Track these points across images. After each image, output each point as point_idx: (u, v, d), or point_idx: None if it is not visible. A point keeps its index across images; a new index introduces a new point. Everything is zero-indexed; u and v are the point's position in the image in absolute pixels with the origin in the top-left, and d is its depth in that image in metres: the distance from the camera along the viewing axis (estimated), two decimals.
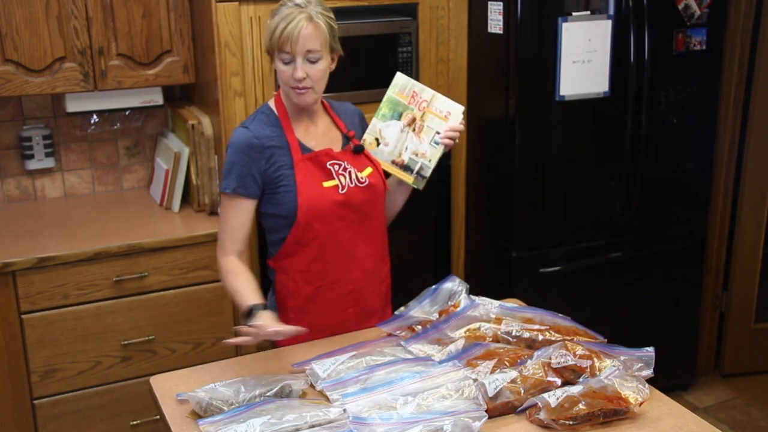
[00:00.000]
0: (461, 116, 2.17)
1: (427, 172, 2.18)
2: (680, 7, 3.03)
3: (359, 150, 2.13)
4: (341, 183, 2.06)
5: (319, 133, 2.12)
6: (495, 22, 2.89)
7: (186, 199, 3.05)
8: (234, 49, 2.66)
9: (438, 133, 2.15)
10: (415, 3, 2.90)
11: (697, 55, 3.11)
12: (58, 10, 2.73)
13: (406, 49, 2.90)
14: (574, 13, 2.84)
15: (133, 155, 3.26)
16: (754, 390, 3.59)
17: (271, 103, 2.12)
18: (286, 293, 2.14)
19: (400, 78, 2.18)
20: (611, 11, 2.89)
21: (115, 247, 2.66)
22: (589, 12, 2.86)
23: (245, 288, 1.99)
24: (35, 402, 2.68)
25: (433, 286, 2.17)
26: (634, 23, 2.90)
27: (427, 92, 2.17)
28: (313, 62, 1.99)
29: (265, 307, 1.93)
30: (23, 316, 2.60)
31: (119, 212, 3.00)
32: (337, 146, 2.13)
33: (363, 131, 2.21)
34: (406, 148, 2.16)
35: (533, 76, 2.89)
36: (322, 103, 2.17)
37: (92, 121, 3.15)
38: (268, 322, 1.85)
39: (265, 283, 2.28)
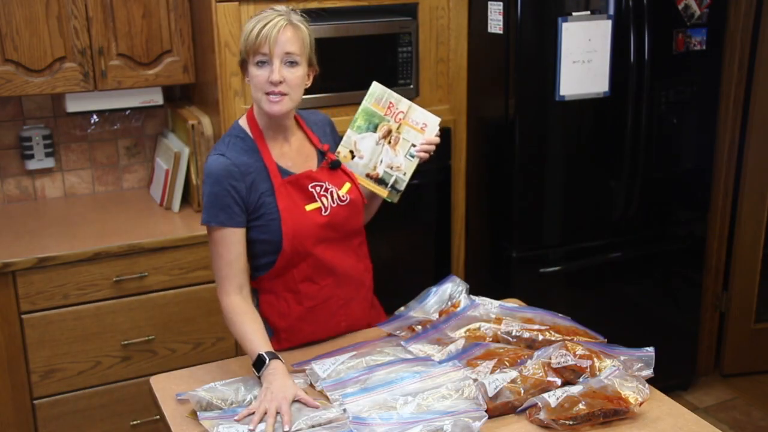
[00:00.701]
0: (437, 128, 2.12)
1: (402, 186, 2.12)
2: (680, 7, 3.03)
3: (336, 165, 2.06)
4: (324, 205, 1.99)
5: (293, 152, 2.04)
6: (495, 22, 2.89)
7: (186, 199, 3.05)
8: (234, 49, 2.66)
9: (414, 145, 2.10)
10: (415, 3, 2.90)
11: (697, 55, 3.11)
12: (58, 10, 2.73)
13: (406, 49, 2.90)
14: (574, 13, 2.84)
15: (133, 155, 3.26)
16: (754, 390, 3.59)
17: (243, 123, 2.02)
18: (276, 314, 2.05)
19: (376, 87, 2.12)
20: (611, 11, 2.89)
21: (115, 247, 2.66)
22: (589, 12, 2.86)
23: (253, 333, 1.87)
24: (35, 402, 2.68)
25: (433, 286, 2.17)
26: (634, 23, 2.90)
27: (403, 103, 2.11)
28: (290, 66, 1.90)
29: (275, 355, 1.82)
30: (23, 316, 2.60)
31: (119, 212, 3.00)
32: (312, 163, 2.05)
33: (334, 140, 2.14)
34: (381, 161, 2.11)
35: (533, 76, 2.89)
36: (295, 117, 2.07)
37: (92, 121, 3.15)
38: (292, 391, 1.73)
39: None
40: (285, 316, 2.04)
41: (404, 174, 2.12)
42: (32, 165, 3.08)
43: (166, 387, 1.88)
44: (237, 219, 1.93)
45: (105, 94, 2.92)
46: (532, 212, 3.03)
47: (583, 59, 2.88)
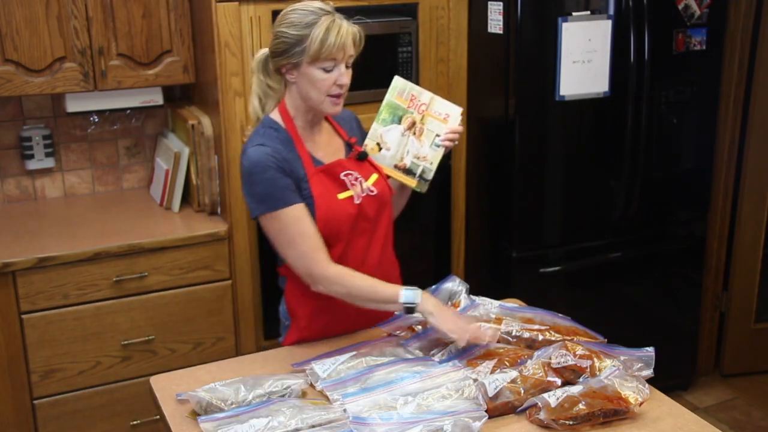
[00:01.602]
0: (460, 118, 2.17)
1: (430, 175, 2.18)
2: (680, 7, 3.03)
3: (363, 157, 2.11)
4: (355, 193, 2.04)
5: (324, 143, 2.09)
6: (495, 22, 2.89)
7: (186, 199, 3.05)
8: (234, 49, 2.66)
9: (438, 135, 2.15)
10: (415, 3, 2.90)
11: (697, 55, 3.11)
12: (58, 10, 2.73)
13: (406, 49, 2.90)
14: (574, 13, 2.84)
15: (133, 155, 3.26)
16: (754, 390, 3.59)
17: (275, 116, 2.05)
18: (298, 300, 2.10)
19: (398, 81, 2.18)
20: (611, 11, 2.89)
21: (115, 247, 2.66)
22: (589, 12, 2.86)
23: (378, 282, 1.95)
24: (35, 402, 2.68)
25: (433, 286, 2.17)
26: (634, 23, 2.90)
27: (425, 95, 2.16)
28: (348, 67, 1.97)
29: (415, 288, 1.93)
30: (23, 316, 2.60)
31: (119, 212, 3.00)
32: (341, 155, 2.11)
33: (361, 134, 2.19)
34: (408, 152, 2.16)
35: (533, 76, 2.89)
36: None
37: (92, 121, 3.15)
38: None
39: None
40: (307, 302, 2.08)
41: (431, 164, 2.16)
42: (32, 165, 3.08)
43: (166, 387, 1.88)
44: (298, 195, 1.95)
45: (105, 94, 2.92)
46: (532, 212, 3.03)
47: (583, 59, 2.88)
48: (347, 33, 1.92)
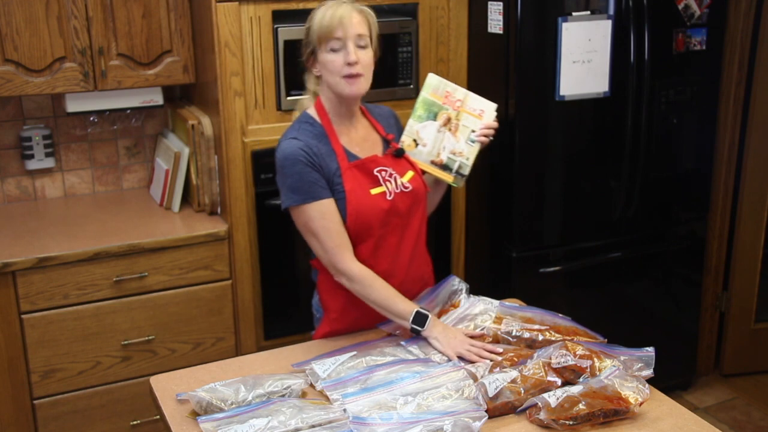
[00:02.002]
0: (494, 113, 2.19)
1: (466, 171, 2.19)
2: (680, 7, 3.03)
3: (400, 153, 2.14)
4: (388, 189, 2.06)
5: (360, 138, 2.12)
6: (495, 22, 2.89)
7: (186, 199, 3.05)
8: (234, 49, 2.66)
9: (473, 131, 2.17)
10: (415, 3, 2.90)
11: (697, 55, 3.11)
12: (58, 10, 2.73)
13: (406, 49, 2.90)
14: (574, 13, 2.84)
15: (133, 155, 3.26)
16: (754, 390, 3.59)
17: (311, 112, 2.09)
18: (330, 293, 2.14)
19: (432, 78, 2.20)
20: (611, 11, 2.89)
21: (115, 247, 2.66)
22: (589, 12, 2.86)
23: (396, 295, 2.01)
24: (35, 402, 2.68)
25: (433, 286, 2.17)
26: (634, 23, 2.90)
27: (460, 91, 2.19)
28: (361, 48, 1.98)
29: (426, 310, 2.00)
30: (23, 316, 2.60)
31: (119, 212, 3.00)
32: (378, 150, 2.13)
33: (399, 132, 2.21)
34: (444, 148, 2.18)
35: (533, 76, 2.89)
36: (360, 107, 2.17)
37: (92, 121, 3.15)
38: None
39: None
40: (338, 296, 2.11)
41: (467, 159, 2.18)
42: (32, 165, 3.08)
43: (166, 387, 1.88)
44: (327, 191, 2.00)
45: (105, 94, 2.92)
46: (532, 212, 3.03)
47: (583, 59, 2.88)
48: (346, 10, 1.96)
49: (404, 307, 1.99)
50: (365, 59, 1.99)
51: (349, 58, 1.96)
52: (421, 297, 2.13)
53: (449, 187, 2.29)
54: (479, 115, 2.17)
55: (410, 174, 2.12)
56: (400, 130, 2.22)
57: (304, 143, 2.00)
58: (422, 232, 2.19)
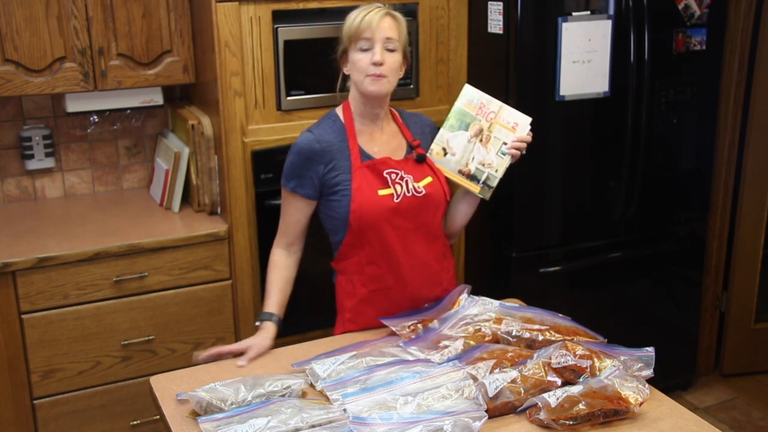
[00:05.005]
0: (528, 127, 2.18)
1: (494, 182, 2.19)
2: (680, 7, 3.03)
3: (421, 159, 2.16)
4: (396, 192, 2.10)
5: (383, 140, 2.16)
6: (495, 22, 2.89)
7: (186, 199, 3.05)
8: (234, 49, 2.66)
9: (505, 143, 2.17)
10: (415, 3, 2.90)
11: (697, 55, 3.11)
12: (58, 10, 2.73)
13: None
14: (574, 13, 2.84)
15: (133, 155, 3.26)
16: (754, 390, 3.59)
17: (338, 110, 2.17)
18: (344, 293, 2.21)
19: (468, 90, 2.21)
20: (611, 11, 2.89)
21: (115, 247, 2.66)
22: (589, 12, 2.86)
23: (271, 289, 2.18)
24: (35, 402, 2.68)
25: (446, 295, 2.17)
26: (634, 23, 2.90)
27: (494, 104, 2.18)
28: (389, 52, 2.05)
29: (271, 317, 2.14)
30: (23, 316, 2.60)
31: (119, 212, 3.00)
32: (400, 154, 2.17)
33: (431, 141, 2.23)
34: (473, 158, 2.18)
35: (533, 76, 2.89)
36: (391, 111, 2.21)
37: (92, 121, 3.15)
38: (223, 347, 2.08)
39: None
40: (351, 296, 2.18)
41: (496, 171, 2.18)
42: (32, 165, 3.08)
43: (166, 387, 1.88)
44: (306, 191, 2.13)
45: (105, 94, 2.92)
46: (531, 212, 3.03)
47: (583, 59, 2.88)
48: (377, 13, 2.06)
49: (265, 302, 2.17)
50: (391, 62, 2.06)
51: (375, 58, 2.03)
52: (430, 306, 2.15)
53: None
54: (512, 128, 2.17)
55: (428, 180, 2.15)
56: (433, 139, 2.24)
57: (317, 137, 2.11)
58: (437, 238, 2.21)
